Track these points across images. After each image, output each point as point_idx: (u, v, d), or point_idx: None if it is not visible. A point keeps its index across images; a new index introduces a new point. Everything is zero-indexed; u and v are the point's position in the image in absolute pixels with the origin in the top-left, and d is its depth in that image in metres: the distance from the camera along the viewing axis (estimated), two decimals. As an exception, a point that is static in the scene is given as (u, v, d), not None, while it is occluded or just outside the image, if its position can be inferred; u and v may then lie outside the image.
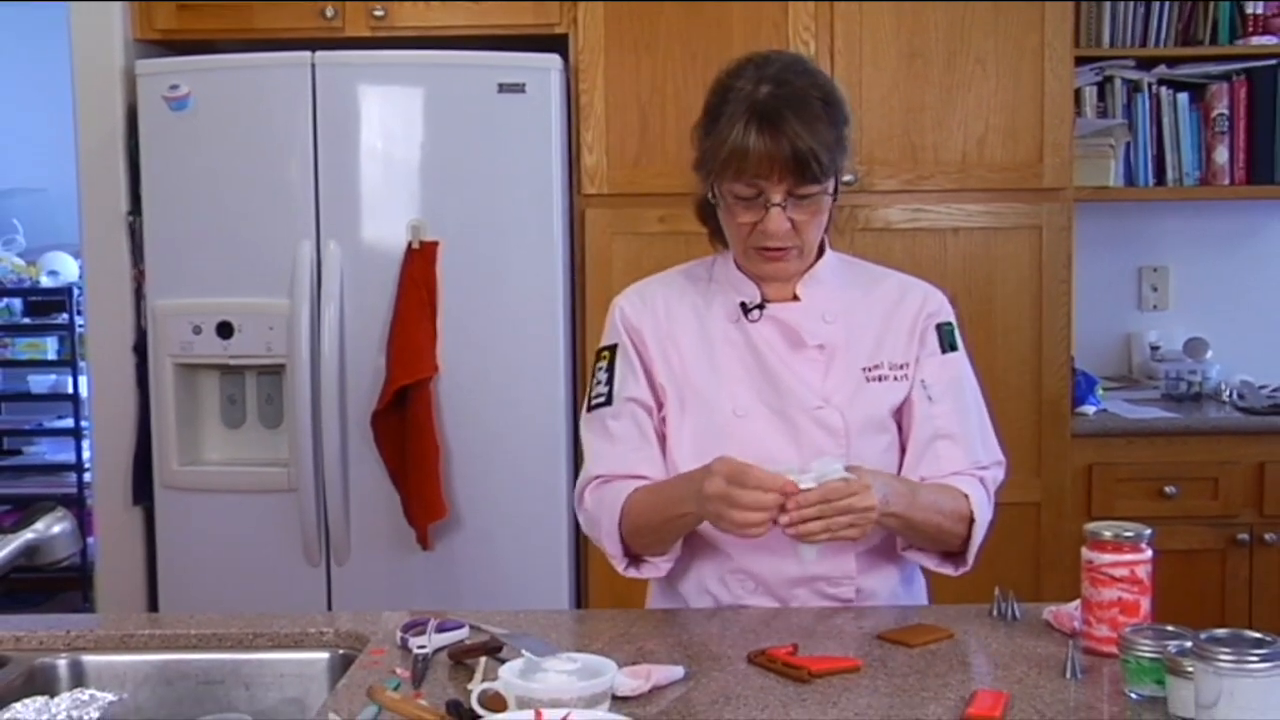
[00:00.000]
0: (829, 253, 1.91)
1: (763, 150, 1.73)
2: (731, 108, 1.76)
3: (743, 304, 1.88)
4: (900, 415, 1.89)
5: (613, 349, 1.92)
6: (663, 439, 1.89)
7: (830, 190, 1.79)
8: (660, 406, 1.89)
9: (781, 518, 1.65)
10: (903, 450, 1.89)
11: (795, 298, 1.88)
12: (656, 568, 1.88)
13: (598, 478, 1.89)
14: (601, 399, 1.89)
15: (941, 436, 1.86)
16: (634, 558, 1.88)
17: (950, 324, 1.92)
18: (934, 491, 1.82)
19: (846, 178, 1.87)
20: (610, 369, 1.90)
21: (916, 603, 1.96)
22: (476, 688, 1.47)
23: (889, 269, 2.00)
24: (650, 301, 1.92)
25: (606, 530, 1.85)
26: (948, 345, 1.90)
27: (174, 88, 3.17)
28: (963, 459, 1.87)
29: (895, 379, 1.87)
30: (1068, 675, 1.56)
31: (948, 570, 1.88)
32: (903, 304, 1.91)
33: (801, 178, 1.74)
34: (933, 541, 1.84)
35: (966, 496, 1.83)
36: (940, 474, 1.85)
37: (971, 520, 1.83)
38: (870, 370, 1.86)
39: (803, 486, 1.65)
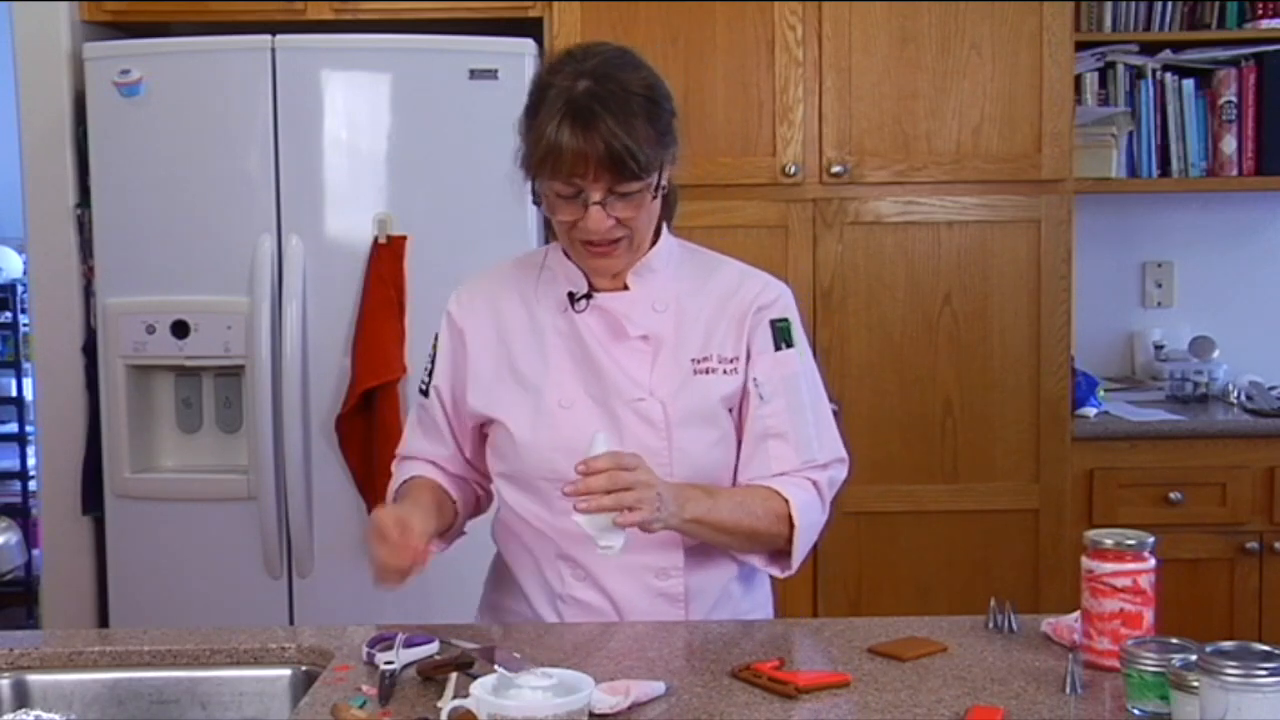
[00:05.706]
0: (665, 239, 1.96)
1: (576, 149, 1.76)
2: (549, 105, 1.79)
3: (570, 294, 1.93)
4: (738, 413, 1.94)
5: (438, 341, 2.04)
6: (481, 430, 1.99)
7: (654, 185, 1.83)
8: (455, 401, 1.99)
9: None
10: (739, 449, 1.94)
11: (626, 287, 1.93)
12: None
13: (404, 456, 2.10)
14: (423, 388, 2.05)
15: (772, 436, 1.92)
16: None
17: (786, 320, 1.96)
18: (738, 494, 1.89)
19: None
20: (433, 361, 2.03)
21: (757, 605, 2.02)
22: (447, 705, 1.48)
23: (730, 258, 2.03)
24: (476, 299, 2.01)
25: (388, 500, 2.05)
26: (782, 342, 1.95)
27: (125, 72, 3.16)
28: (794, 458, 1.92)
29: (725, 372, 1.92)
30: (1067, 690, 1.57)
31: (774, 571, 1.95)
32: (736, 296, 1.96)
33: (619, 176, 1.78)
34: (750, 543, 1.90)
35: (787, 500, 1.88)
36: (769, 474, 1.91)
37: (792, 522, 1.88)
38: (699, 362, 1.91)
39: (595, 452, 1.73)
